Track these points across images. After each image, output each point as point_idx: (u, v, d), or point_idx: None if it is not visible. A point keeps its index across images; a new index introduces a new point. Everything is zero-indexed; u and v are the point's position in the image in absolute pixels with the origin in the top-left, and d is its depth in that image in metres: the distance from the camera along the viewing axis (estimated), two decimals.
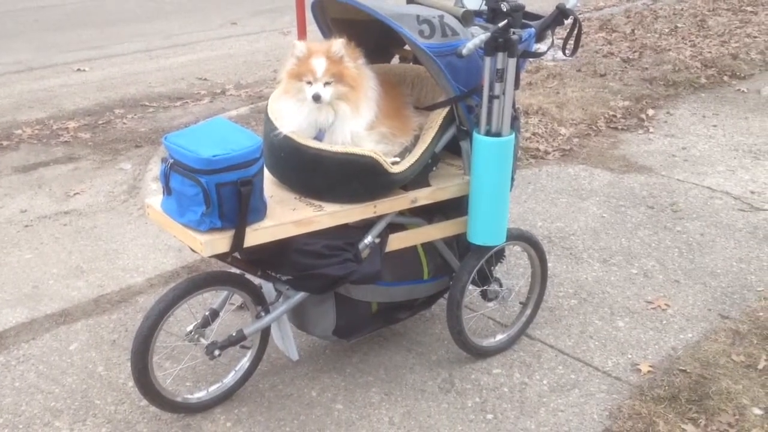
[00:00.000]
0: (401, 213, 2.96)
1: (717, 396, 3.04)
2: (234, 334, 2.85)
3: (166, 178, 2.58)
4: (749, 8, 10.12)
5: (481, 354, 3.28)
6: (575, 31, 2.96)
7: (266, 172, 2.77)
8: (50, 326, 3.53)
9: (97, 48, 8.86)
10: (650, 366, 3.25)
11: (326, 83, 2.68)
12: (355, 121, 2.74)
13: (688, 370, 3.20)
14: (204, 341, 2.87)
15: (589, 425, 2.93)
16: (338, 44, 2.69)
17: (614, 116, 6.36)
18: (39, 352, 3.34)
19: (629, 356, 3.33)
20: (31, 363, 3.27)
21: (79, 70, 7.98)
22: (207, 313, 2.92)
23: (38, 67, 8.09)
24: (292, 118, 2.77)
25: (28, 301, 3.74)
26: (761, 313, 3.60)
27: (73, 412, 2.97)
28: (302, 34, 4.25)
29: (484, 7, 3.02)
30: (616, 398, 3.07)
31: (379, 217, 2.87)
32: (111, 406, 3.01)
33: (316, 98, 2.68)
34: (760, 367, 3.22)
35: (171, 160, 2.55)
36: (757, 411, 2.98)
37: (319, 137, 2.76)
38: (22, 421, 2.92)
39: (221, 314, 2.98)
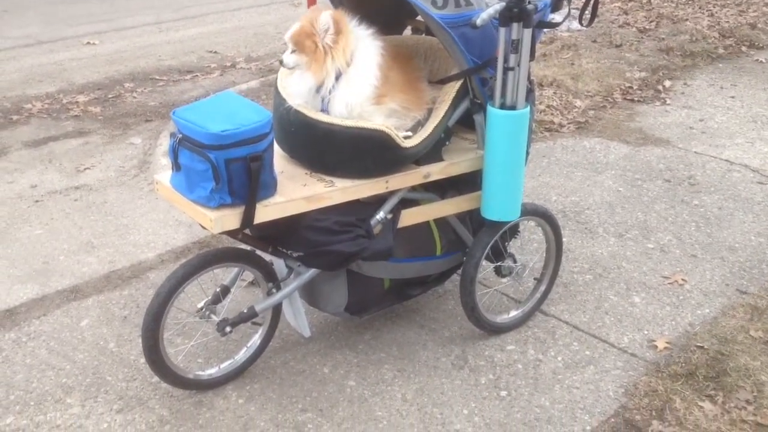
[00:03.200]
0: (414, 188, 2.91)
1: (735, 373, 3.00)
2: (245, 311, 2.83)
3: (174, 153, 2.54)
4: None
5: (494, 330, 3.25)
6: (592, 1, 2.88)
7: (276, 147, 2.73)
8: (61, 302, 3.52)
9: (106, 21, 8.80)
10: (667, 342, 3.20)
11: (293, 50, 2.69)
12: (349, 94, 2.68)
13: (705, 347, 3.16)
14: (215, 318, 2.85)
15: (604, 402, 2.89)
16: (324, 17, 2.62)
17: (630, 88, 6.27)
18: (50, 329, 3.33)
19: (645, 332, 3.29)
20: (42, 339, 3.26)
21: (88, 43, 7.93)
22: (218, 290, 2.90)
23: (48, 40, 8.05)
24: (291, 83, 2.77)
25: (39, 277, 3.73)
26: None
27: (84, 389, 2.96)
28: (312, 5, 4.18)
29: None
30: (632, 375, 3.03)
31: (391, 193, 2.82)
32: (122, 382, 3.00)
33: (281, 62, 2.73)
34: None
35: (180, 136, 2.50)
36: None
37: (323, 108, 2.72)
38: (33, 397, 2.92)
39: (232, 291, 2.96)
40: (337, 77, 2.68)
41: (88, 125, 5.72)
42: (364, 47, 2.72)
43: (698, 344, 3.18)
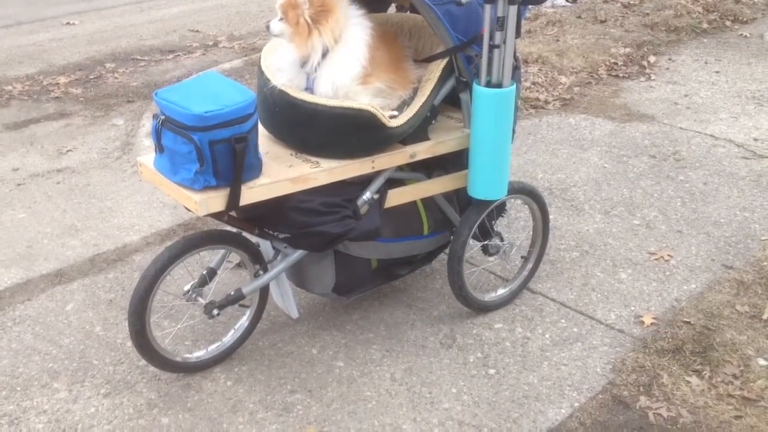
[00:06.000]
0: (400, 168, 2.89)
1: (721, 347, 3.02)
2: (232, 293, 2.81)
3: (157, 135, 2.51)
4: None
5: (482, 309, 3.25)
6: None
7: (261, 128, 2.70)
8: (46, 286, 3.49)
9: (86, 1, 8.69)
10: (653, 318, 3.22)
11: (281, 18, 2.65)
12: (335, 73, 2.66)
13: (691, 322, 3.18)
14: (202, 300, 2.83)
15: (592, 378, 2.91)
16: None
17: (615, 64, 6.25)
18: (35, 313, 3.30)
19: (632, 308, 3.30)
20: (27, 324, 3.23)
21: (68, 23, 7.83)
22: (204, 272, 2.88)
23: (27, 21, 7.93)
24: (277, 56, 2.75)
25: (23, 261, 3.69)
26: (765, 263, 3.57)
27: (71, 373, 2.95)
28: None
29: None
30: (620, 351, 3.05)
31: (378, 173, 2.80)
32: (109, 366, 2.98)
33: (267, 28, 2.70)
34: (764, 317, 3.19)
35: (162, 117, 2.47)
36: (762, 362, 2.95)
37: (309, 86, 2.69)
38: (19, 383, 2.90)
39: (219, 273, 2.94)
40: (324, 55, 2.65)
41: (70, 107, 5.65)
42: (353, 27, 2.69)
43: (685, 319, 3.19)
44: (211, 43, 7.13)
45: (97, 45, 7.08)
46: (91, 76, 6.27)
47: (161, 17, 8.01)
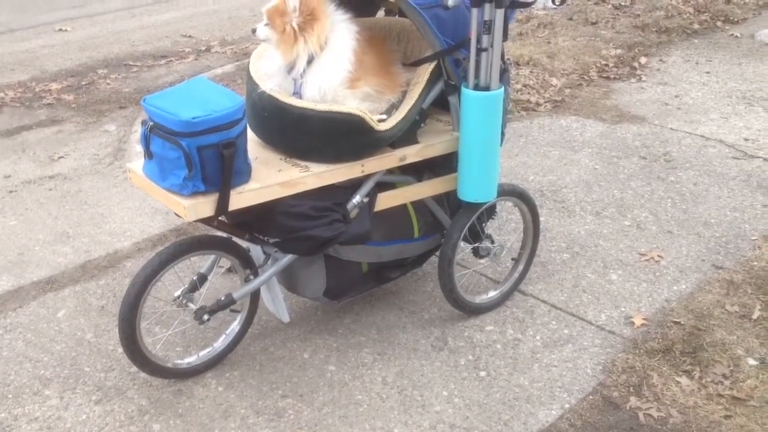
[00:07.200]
0: (390, 171, 2.90)
1: (711, 347, 3.03)
2: (223, 298, 2.81)
3: (146, 141, 2.51)
4: None
5: (473, 311, 3.26)
6: None
7: (250, 133, 2.70)
8: (37, 294, 3.49)
9: (78, 7, 8.68)
10: (644, 319, 3.23)
11: (266, 24, 2.68)
12: (322, 78, 2.67)
13: (681, 322, 3.19)
14: (192, 306, 2.83)
15: (582, 380, 2.91)
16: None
17: (606, 65, 6.27)
18: (26, 320, 3.30)
19: (622, 309, 3.31)
20: (18, 331, 3.23)
21: (60, 30, 7.82)
22: (195, 278, 2.88)
23: (19, 28, 7.92)
24: (265, 61, 2.77)
25: (14, 268, 3.69)
26: (755, 263, 3.58)
27: (62, 380, 2.94)
28: None
29: None
30: (610, 352, 3.06)
31: (367, 176, 2.81)
32: (101, 373, 2.98)
33: (253, 32, 2.73)
34: (754, 317, 3.20)
35: (151, 123, 2.48)
36: (752, 361, 2.97)
37: (297, 91, 2.70)
38: (11, 390, 2.90)
39: (209, 278, 2.94)
40: (310, 61, 2.66)
41: (62, 113, 5.65)
42: (339, 32, 2.69)
43: (675, 320, 3.20)
44: (203, 48, 7.13)
45: (89, 51, 7.08)
46: (83, 83, 6.27)
47: (153, 23, 8.01)
